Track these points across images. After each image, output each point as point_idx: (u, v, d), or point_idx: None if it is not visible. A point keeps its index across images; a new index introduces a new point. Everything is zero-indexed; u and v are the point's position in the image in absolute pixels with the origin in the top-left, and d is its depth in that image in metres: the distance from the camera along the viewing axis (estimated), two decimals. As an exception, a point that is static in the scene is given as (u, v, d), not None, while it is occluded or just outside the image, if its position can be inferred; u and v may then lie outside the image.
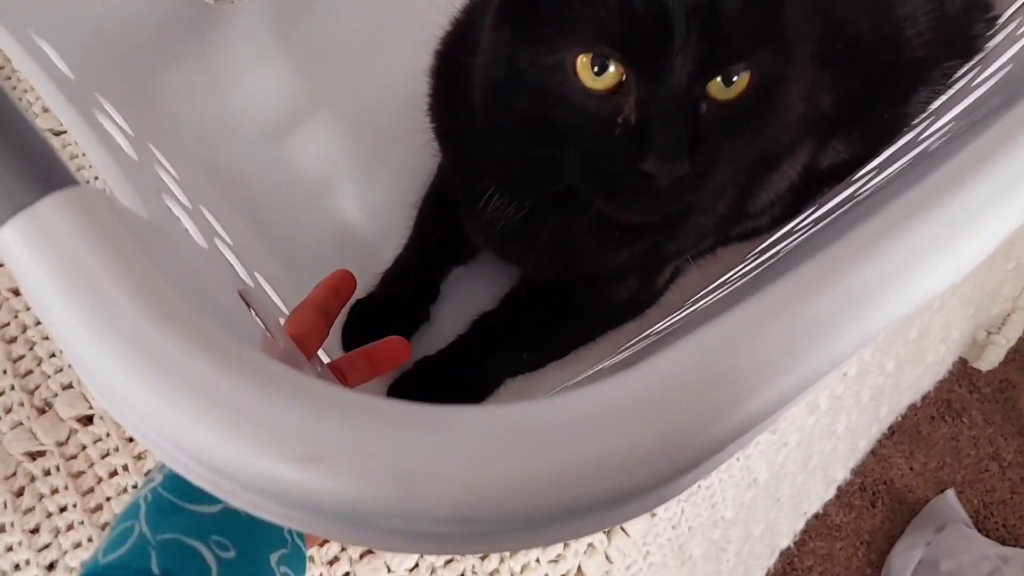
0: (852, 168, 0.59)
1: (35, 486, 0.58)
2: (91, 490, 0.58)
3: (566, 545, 0.58)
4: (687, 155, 0.40)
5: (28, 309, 0.64)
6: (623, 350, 0.59)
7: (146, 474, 0.59)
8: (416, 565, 0.57)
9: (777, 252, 0.52)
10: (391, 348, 0.55)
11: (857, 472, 1.31)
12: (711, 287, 0.58)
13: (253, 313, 0.41)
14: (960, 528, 1.27)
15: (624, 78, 0.40)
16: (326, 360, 0.54)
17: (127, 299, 0.20)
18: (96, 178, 0.70)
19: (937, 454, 1.38)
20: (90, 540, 0.57)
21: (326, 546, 0.57)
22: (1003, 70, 0.47)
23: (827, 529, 1.32)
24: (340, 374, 0.51)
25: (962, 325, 0.92)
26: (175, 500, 0.34)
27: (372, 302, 0.63)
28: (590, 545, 0.59)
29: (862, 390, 0.76)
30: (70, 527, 0.57)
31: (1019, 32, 0.53)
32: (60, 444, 0.60)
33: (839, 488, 0.89)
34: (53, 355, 0.62)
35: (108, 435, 0.60)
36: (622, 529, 0.59)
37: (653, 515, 0.60)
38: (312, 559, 0.56)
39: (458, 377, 0.61)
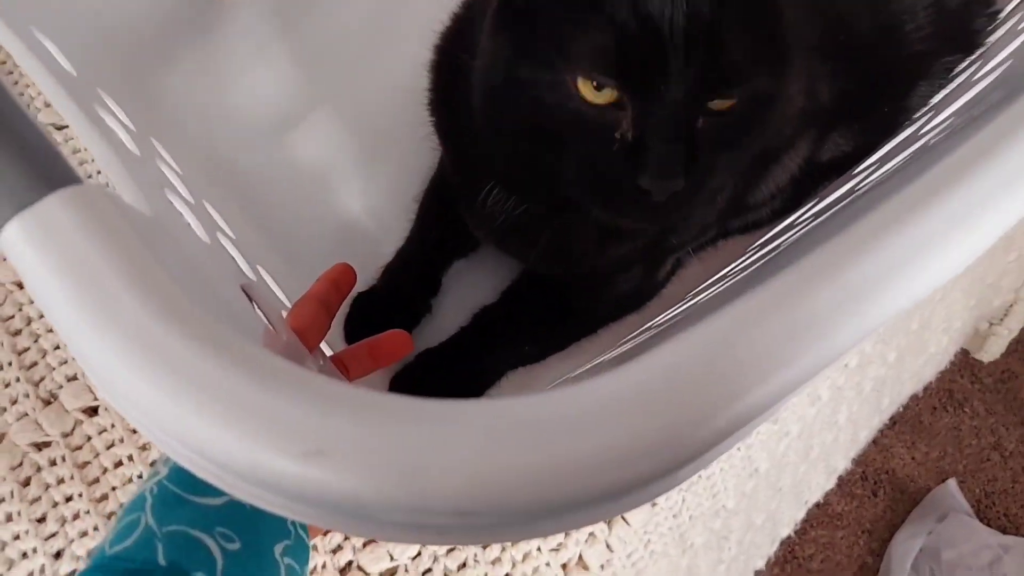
0: (853, 161, 0.59)
1: (41, 476, 0.59)
2: (96, 480, 0.59)
3: (567, 534, 0.59)
4: (683, 172, 0.40)
5: (32, 302, 0.64)
6: (624, 342, 0.59)
7: (151, 465, 0.59)
8: (419, 554, 0.57)
9: (778, 245, 0.52)
10: (393, 341, 0.56)
11: (859, 462, 1.32)
12: (712, 280, 0.59)
13: (255, 307, 0.42)
14: (961, 517, 1.27)
15: (620, 95, 0.40)
16: (329, 353, 0.55)
17: (130, 296, 0.20)
18: (99, 172, 0.70)
19: (939, 444, 1.38)
20: (96, 529, 0.57)
21: (329, 535, 0.57)
22: (1004, 65, 0.47)
23: (828, 518, 1.32)
24: (342, 367, 0.51)
25: (964, 316, 0.92)
26: (180, 492, 0.34)
27: (374, 295, 0.64)
28: (591, 534, 0.59)
29: (863, 381, 0.76)
30: (76, 516, 0.58)
31: (1020, 27, 0.53)
32: (65, 435, 0.60)
33: (840, 478, 0.89)
34: (58, 347, 0.63)
35: (113, 426, 0.60)
36: (623, 518, 0.59)
37: (654, 505, 0.60)
38: (315, 548, 0.56)
39: (460, 369, 0.61)
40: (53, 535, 0.57)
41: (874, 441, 1.34)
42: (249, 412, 0.18)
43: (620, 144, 0.41)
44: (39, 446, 0.60)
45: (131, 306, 0.20)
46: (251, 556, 0.34)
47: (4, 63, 0.74)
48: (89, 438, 0.60)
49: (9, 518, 0.57)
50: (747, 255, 0.58)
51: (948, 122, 0.47)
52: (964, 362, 1.37)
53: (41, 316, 0.64)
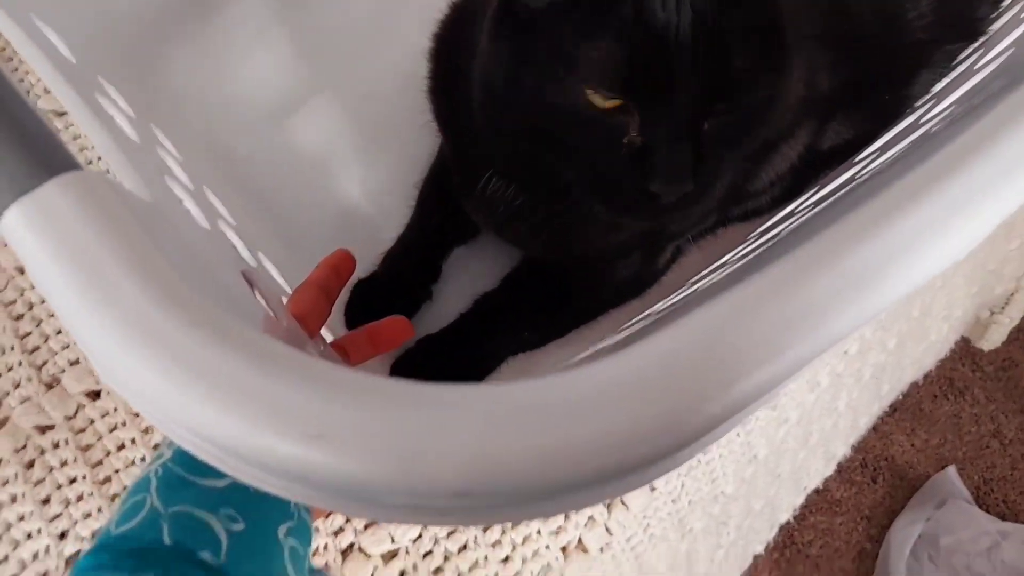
0: (854, 149, 0.59)
1: (45, 458, 0.59)
2: (99, 462, 0.60)
3: (567, 517, 0.59)
4: (691, 176, 0.41)
5: (35, 287, 0.64)
6: (624, 329, 0.60)
7: (154, 448, 0.60)
8: (420, 536, 0.58)
9: (778, 233, 0.52)
10: (393, 327, 0.56)
11: (858, 448, 1.32)
12: (712, 267, 0.59)
13: (256, 293, 0.42)
14: (960, 504, 1.28)
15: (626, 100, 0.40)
16: (329, 339, 0.55)
17: (130, 281, 0.20)
18: (99, 158, 0.70)
19: (939, 431, 1.38)
20: (99, 511, 0.58)
21: (331, 518, 0.58)
22: (1005, 53, 0.47)
23: (828, 504, 1.33)
24: (343, 352, 0.52)
25: (965, 304, 0.92)
26: (185, 474, 0.35)
27: (374, 281, 0.64)
28: (590, 518, 0.59)
29: (863, 367, 0.76)
30: (80, 498, 0.58)
31: (1023, 15, 0.52)
32: (68, 418, 0.61)
33: (839, 464, 0.89)
34: (60, 331, 0.63)
35: (115, 409, 0.61)
36: (622, 502, 0.60)
37: (653, 489, 0.61)
38: (317, 530, 0.57)
39: (460, 355, 0.61)
40: (57, 516, 0.58)
41: (874, 428, 1.34)
42: (250, 396, 0.19)
43: (628, 149, 0.41)
44: (42, 429, 0.60)
45: (131, 292, 0.20)
46: (255, 536, 0.34)
47: (3, 50, 0.74)
48: (92, 421, 0.61)
49: (14, 500, 0.58)
50: (747, 243, 0.58)
51: (949, 110, 0.47)
52: (965, 350, 1.37)
53: (43, 301, 0.64)
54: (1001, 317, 1.12)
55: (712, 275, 0.55)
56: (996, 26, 0.58)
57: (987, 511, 1.30)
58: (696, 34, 0.38)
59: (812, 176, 0.61)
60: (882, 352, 0.77)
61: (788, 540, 1.30)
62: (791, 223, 0.51)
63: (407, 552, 0.58)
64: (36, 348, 0.63)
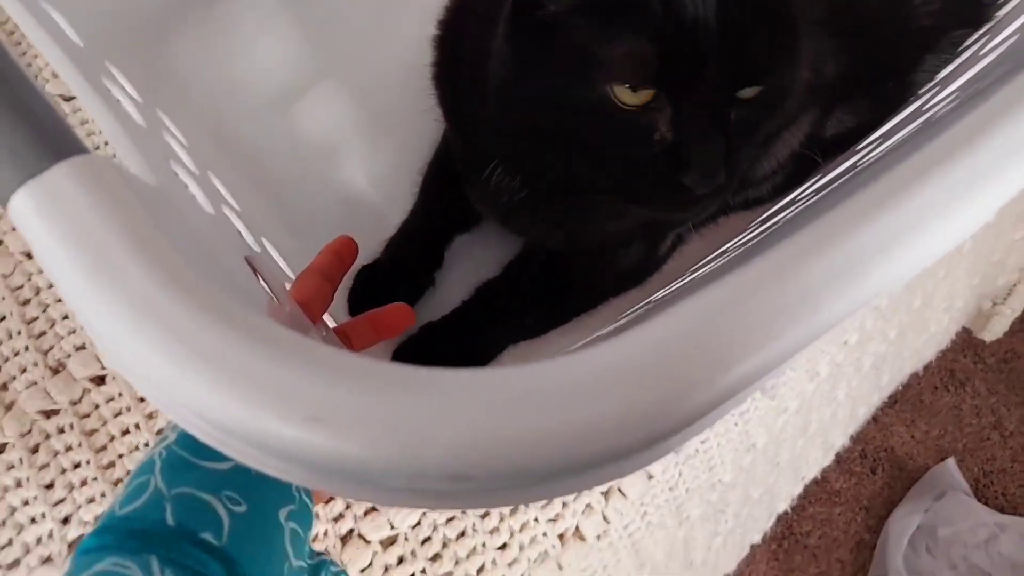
0: (858, 137, 0.59)
1: (50, 443, 0.60)
2: (104, 447, 0.60)
3: (564, 505, 0.60)
4: (724, 167, 0.41)
5: (41, 272, 0.65)
6: (624, 317, 0.60)
7: (158, 433, 0.60)
8: (418, 523, 0.59)
9: (778, 221, 0.52)
10: (395, 314, 0.56)
11: (858, 439, 1.33)
12: (712, 255, 0.59)
13: (259, 278, 0.42)
14: (959, 496, 1.28)
15: (656, 93, 0.40)
16: (332, 325, 0.55)
17: (135, 265, 0.20)
18: (106, 143, 0.70)
19: (939, 423, 1.39)
20: (103, 495, 0.58)
21: (331, 503, 0.58)
22: (1011, 39, 0.47)
23: (827, 495, 1.33)
24: (345, 339, 0.52)
25: (966, 295, 0.92)
26: (189, 457, 0.35)
27: (378, 268, 0.64)
28: (588, 505, 0.60)
29: (863, 357, 0.77)
30: (84, 483, 0.59)
31: (1029, 0, 0.52)
32: (74, 403, 0.61)
33: (839, 454, 0.90)
34: (66, 317, 0.64)
35: (120, 394, 0.61)
36: (619, 490, 0.60)
37: (651, 477, 0.61)
38: (318, 516, 0.57)
39: (462, 342, 0.62)
40: (61, 501, 0.58)
41: (874, 419, 1.35)
42: (252, 379, 0.19)
43: (660, 146, 0.42)
44: (48, 414, 0.61)
45: (137, 275, 0.20)
46: (257, 519, 0.35)
47: (12, 34, 0.74)
48: (97, 406, 0.61)
49: (19, 484, 0.59)
50: (748, 231, 0.58)
51: (953, 97, 0.47)
52: (967, 341, 1.37)
53: (50, 286, 0.65)
54: (1003, 308, 1.12)
55: (712, 263, 0.55)
56: (1002, 12, 0.58)
57: (986, 503, 1.30)
58: (722, 23, 0.38)
59: (815, 165, 0.61)
60: (883, 342, 0.78)
61: (787, 531, 1.31)
62: (792, 211, 0.51)
63: (406, 538, 0.58)
64: (42, 333, 0.64)
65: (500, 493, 0.21)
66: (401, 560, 0.58)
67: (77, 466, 0.60)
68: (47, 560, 0.57)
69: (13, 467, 0.59)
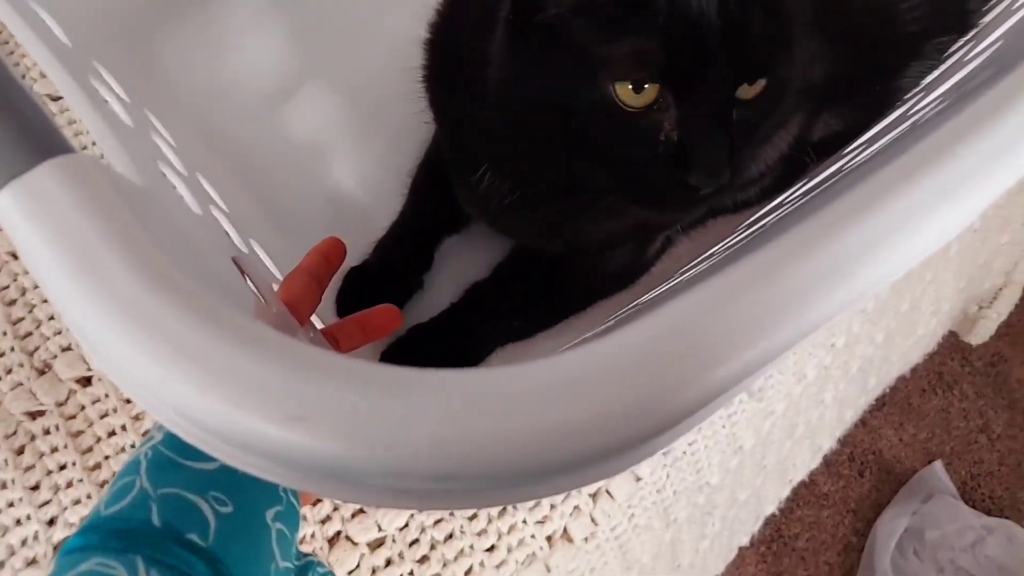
0: (845, 141, 0.59)
1: (35, 444, 0.60)
2: (90, 449, 0.60)
3: (552, 507, 0.60)
4: (728, 166, 0.42)
5: (28, 272, 0.65)
6: (612, 320, 0.60)
7: (144, 434, 0.60)
8: (406, 525, 0.59)
9: (765, 224, 0.52)
10: (383, 315, 0.56)
11: (846, 442, 1.33)
12: (700, 259, 0.59)
13: (246, 279, 0.42)
14: (946, 499, 1.29)
15: (660, 93, 0.41)
16: (320, 326, 0.55)
17: (120, 265, 0.20)
18: (93, 143, 0.70)
19: (927, 426, 1.39)
20: (89, 497, 0.58)
21: (319, 506, 0.58)
22: (995, 45, 0.47)
23: (815, 497, 1.34)
24: (333, 340, 0.52)
25: (953, 299, 0.93)
26: (175, 457, 0.35)
27: (366, 270, 0.64)
28: (576, 507, 0.60)
29: (851, 360, 0.77)
30: (69, 484, 0.59)
31: (1014, 7, 0.53)
32: (59, 404, 0.61)
33: (827, 457, 0.90)
34: (52, 318, 0.63)
35: (107, 396, 0.61)
36: (607, 492, 0.61)
37: (638, 479, 0.62)
38: (305, 518, 0.57)
39: (450, 344, 0.62)
40: (47, 503, 0.58)
41: (862, 422, 1.36)
42: (235, 378, 0.19)
43: (665, 147, 0.42)
44: (33, 415, 0.61)
45: (121, 276, 0.20)
46: (243, 519, 0.35)
47: (-1, 33, 0.74)
48: (83, 407, 0.61)
49: (3, 486, 0.58)
50: (735, 234, 0.59)
51: (938, 102, 0.47)
52: (955, 345, 1.38)
53: (36, 287, 0.65)
54: (989, 312, 1.13)
55: (700, 266, 0.55)
56: (987, 19, 0.59)
57: (973, 506, 1.31)
58: (725, 20, 0.39)
59: (802, 168, 0.61)
60: (870, 345, 0.78)
61: (775, 533, 1.31)
62: (779, 214, 0.51)
63: (393, 540, 0.58)
64: (28, 334, 0.63)
65: (485, 493, 0.21)
66: (389, 562, 0.58)
67: (63, 468, 0.59)
68: (32, 562, 0.57)
69: (-2, 469, 0.59)
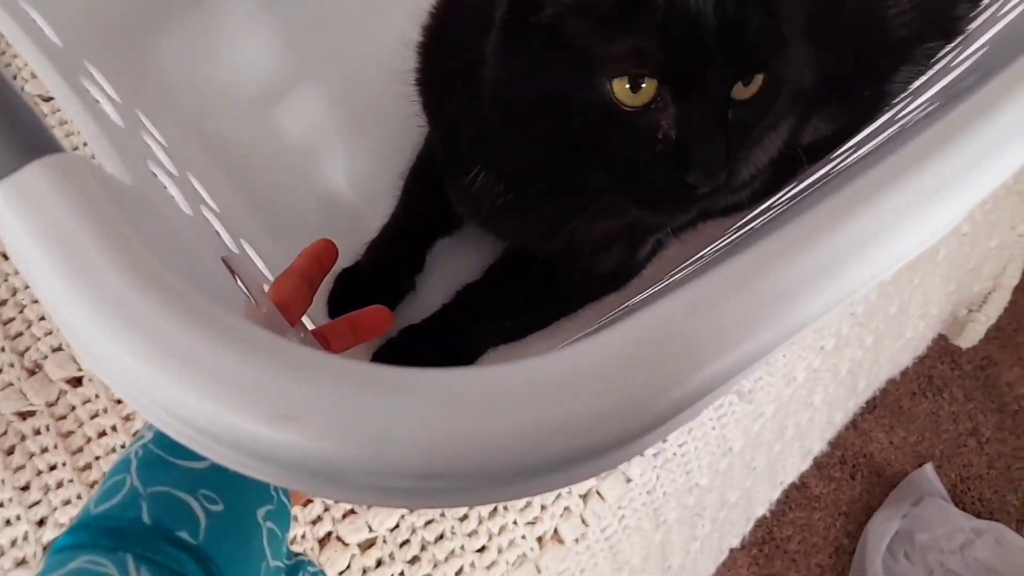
0: (834, 145, 0.60)
1: (25, 445, 0.59)
2: (80, 449, 0.60)
3: (543, 507, 0.60)
4: (726, 165, 0.42)
5: (18, 272, 0.64)
6: (602, 322, 0.60)
7: (135, 435, 0.60)
8: (397, 525, 0.59)
9: (754, 226, 0.53)
10: (374, 316, 0.56)
11: (837, 445, 1.34)
12: (690, 261, 0.59)
13: (237, 280, 0.42)
14: (937, 501, 1.30)
15: (658, 92, 0.41)
16: (311, 327, 0.55)
17: (109, 265, 0.20)
18: (85, 143, 0.70)
19: (917, 429, 1.40)
20: (79, 497, 0.58)
21: (309, 506, 0.58)
22: (981, 51, 0.48)
23: (806, 500, 1.34)
24: (324, 341, 0.52)
25: (942, 302, 0.93)
26: (165, 456, 0.35)
27: (358, 271, 0.64)
28: (566, 508, 0.60)
29: (840, 363, 0.77)
30: (60, 485, 0.58)
31: (1000, 13, 0.53)
32: (50, 404, 0.61)
33: (818, 460, 0.90)
34: (43, 318, 0.63)
35: (97, 396, 0.61)
36: (597, 493, 0.61)
37: (629, 480, 0.62)
38: (296, 518, 0.57)
39: (442, 346, 0.62)
40: (36, 503, 0.58)
41: (853, 425, 1.36)
42: (224, 378, 0.19)
43: (663, 146, 0.42)
44: (23, 415, 0.60)
45: (111, 276, 0.20)
46: (234, 518, 0.35)
47: (-11, 32, 0.73)
48: (73, 408, 0.61)
49: (-7, 486, 0.58)
50: (725, 237, 0.59)
51: (925, 106, 0.47)
52: (944, 348, 1.39)
53: (27, 287, 0.64)
54: (979, 315, 1.13)
55: (689, 268, 0.56)
56: (974, 25, 0.59)
57: (963, 509, 1.32)
58: (722, 18, 0.39)
59: (792, 172, 0.61)
60: (859, 348, 0.78)
61: (767, 536, 1.32)
62: (768, 216, 0.52)
63: (384, 541, 0.58)
64: (19, 334, 0.63)
65: (475, 492, 0.21)
66: (379, 563, 0.58)
67: (53, 468, 0.59)
68: (22, 562, 0.56)
69: (-12, 469, 0.58)
